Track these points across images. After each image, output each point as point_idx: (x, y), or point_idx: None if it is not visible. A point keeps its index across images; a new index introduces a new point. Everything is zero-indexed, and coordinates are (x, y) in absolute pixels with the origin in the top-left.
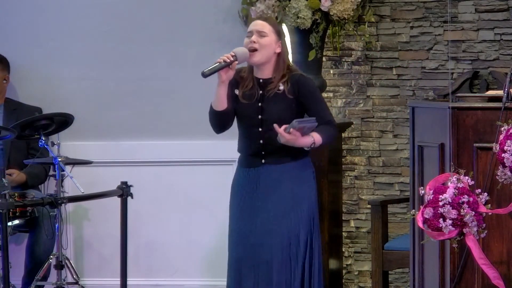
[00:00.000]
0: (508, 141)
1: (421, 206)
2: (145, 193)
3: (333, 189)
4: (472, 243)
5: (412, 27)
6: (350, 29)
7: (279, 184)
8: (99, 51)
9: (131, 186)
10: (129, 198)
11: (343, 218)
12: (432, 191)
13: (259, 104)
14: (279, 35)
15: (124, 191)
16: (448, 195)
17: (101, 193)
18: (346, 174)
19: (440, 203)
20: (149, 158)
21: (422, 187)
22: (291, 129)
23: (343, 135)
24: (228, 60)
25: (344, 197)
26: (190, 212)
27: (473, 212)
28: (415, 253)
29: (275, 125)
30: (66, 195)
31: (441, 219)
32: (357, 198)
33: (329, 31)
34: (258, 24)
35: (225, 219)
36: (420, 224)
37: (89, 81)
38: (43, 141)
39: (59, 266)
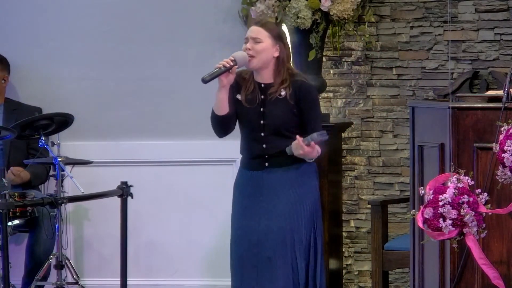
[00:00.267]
0: (508, 141)
1: (421, 206)
2: (145, 193)
3: (333, 189)
4: (472, 243)
5: (412, 27)
6: (350, 29)
7: (282, 185)
8: (99, 51)
9: (131, 186)
10: (129, 198)
11: (343, 218)
12: (432, 191)
13: (261, 109)
14: (277, 39)
15: (124, 191)
16: (448, 195)
17: (101, 193)
18: (346, 174)
19: (440, 203)
20: (149, 158)
21: (422, 187)
22: (311, 142)
23: (343, 135)
24: (228, 65)
25: (344, 197)
26: (190, 212)
27: (473, 212)
28: (415, 253)
29: (298, 137)
30: (66, 195)
31: (441, 219)
32: (357, 198)
33: (329, 31)
34: (253, 31)
35: (225, 219)
36: (420, 224)
37: (89, 81)
38: (43, 141)
39: (59, 266)
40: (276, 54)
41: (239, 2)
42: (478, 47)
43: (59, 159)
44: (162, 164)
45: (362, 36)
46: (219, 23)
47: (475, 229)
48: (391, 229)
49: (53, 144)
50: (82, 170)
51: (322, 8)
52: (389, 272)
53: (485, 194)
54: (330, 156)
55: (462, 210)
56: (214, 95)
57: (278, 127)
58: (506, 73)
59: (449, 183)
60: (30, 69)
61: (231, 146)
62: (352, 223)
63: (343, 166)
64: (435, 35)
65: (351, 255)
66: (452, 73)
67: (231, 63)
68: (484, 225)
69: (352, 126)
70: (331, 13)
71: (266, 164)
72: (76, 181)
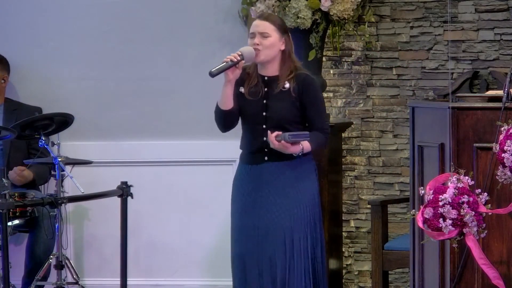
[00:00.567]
0: (508, 141)
1: (421, 206)
2: (145, 193)
3: (333, 189)
4: (472, 243)
5: (412, 27)
6: (350, 29)
7: (281, 180)
8: (99, 51)
9: (131, 186)
10: (129, 198)
11: (343, 218)
12: (432, 191)
13: (264, 101)
14: (282, 31)
15: (124, 191)
16: (448, 195)
17: (101, 193)
18: (346, 174)
19: (440, 203)
20: (149, 158)
21: (422, 187)
22: (282, 141)
23: (343, 135)
24: (235, 60)
25: (344, 197)
26: (190, 212)
27: (473, 212)
28: (415, 253)
29: (269, 132)
30: (66, 195)
31: (441, 219)
32: (357, 198)
33: (329, 31)
34: (260, 25)
35: (225, 219)
36: (420, 224)
37: (89, 81)
38: (43, 141)
39: (59, 266)
40: (283, 47)
41: (239, 2)
42: (478, 47)
43: (59, 159)
44: (162, 164)
45: (362, 36)
46: (219, 23)
47: (475, 229)
48: (391, 229)
49: (53, 144)
50: (82, 170)
51: (322, 8)
52: (389, 272)
53: (485, 194)
54: (330, 156)
55: (462, 210)
56: (215, 95)
57: (280, 120)
58: (506, 73)
59: (449, 183)
60: (30, 69)
61: (231, 146)
62: (352, 223)
63: (343, 166)
64: (435, 35)
65: (351, 255)
66: (452, 73)
67: (238, 58)
68: (484, 225)
69: (352, 126)
70: (331, 13)
71: (266, 158)
72: (76, 181)
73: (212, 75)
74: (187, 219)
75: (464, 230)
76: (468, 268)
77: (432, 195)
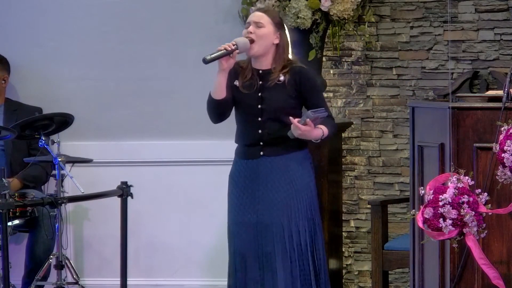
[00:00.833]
0: (508, 141)
1: (421, 206)
2: (145, 193)
3: (333, 189)
4: (472, 243)
5: (412, 27)
6: (350, 29)
7: (278, 175)
8: (99, 51)
9: (131, 186)
10: (129, 198)
11: (343, 218)
12: (432, 191)
13: (259, 94)
14: (278, 26)
15: (124, 191)
16: (448, 195)
17: (101, 193)
18: (346, 174)
19: (440, 203)
20: (149, 158)
21: (422, 187)
22: (307, 120)
23: (343, 135)
24: (229, 49)
25: (344, 197)
26: (190, 212)
27: (473, 212)
28: (415, 253)
29: (291, 118)
30: (66, 195)
31: (441, 219)
32: (357, 198)
33: (329, 31)
34: (256, 15)
35: (225, 219)
36: (420, 224)
37: (89, 81)
38: (43, 141)
39: (59, 266)
40: (277, 41)
41: (239, 2)
42: (478, 47)
43: (59, 159)
44: (162, 164)
45: (362, 36)
46: (219, 23)
47: (475, 229)
48: (391, 229)
49: (53, 142)
50: (82, 170)
51: (322, 8)
52: (389, 272)
53: (485, 194)
54: (330, 156)
55: (462, 210)
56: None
57: (276, 112)
58: (506, 73)
59: (449, 183)
60: (30, 69)
61: (231, 146)
62: (352, 223)
63: (343, 166)
64: (435, 35)
65: (351, 255)
66: (452, 73)
67: (233, 47)
68: (484, 225)
69: (352, 126)
70: (331, 13)
71: (261, 153)
72: (76, 181)
73: (206, 61)
74: (187, 219)
75: (464, 230)
76: (468, 268)
77: (432, 195)
